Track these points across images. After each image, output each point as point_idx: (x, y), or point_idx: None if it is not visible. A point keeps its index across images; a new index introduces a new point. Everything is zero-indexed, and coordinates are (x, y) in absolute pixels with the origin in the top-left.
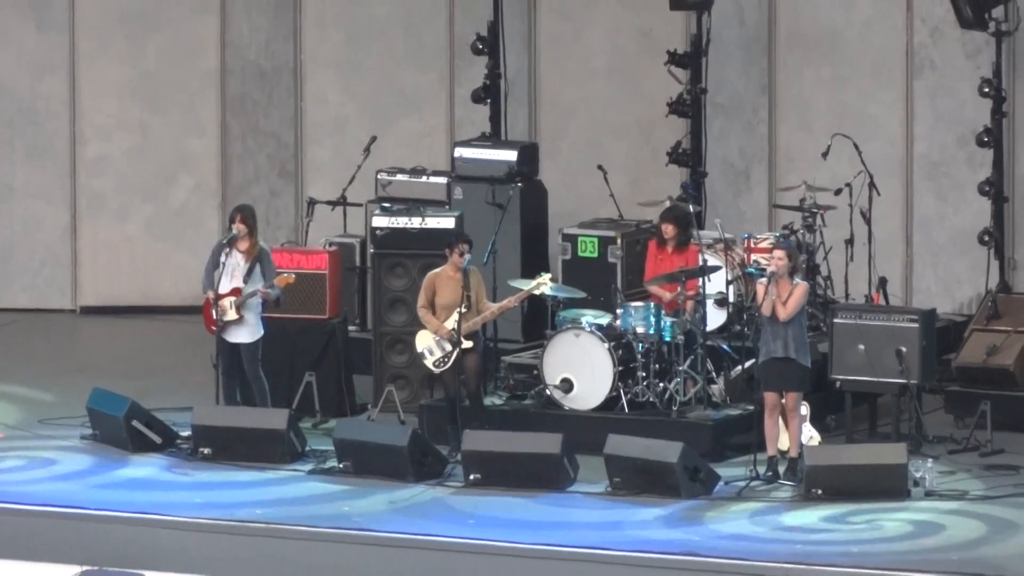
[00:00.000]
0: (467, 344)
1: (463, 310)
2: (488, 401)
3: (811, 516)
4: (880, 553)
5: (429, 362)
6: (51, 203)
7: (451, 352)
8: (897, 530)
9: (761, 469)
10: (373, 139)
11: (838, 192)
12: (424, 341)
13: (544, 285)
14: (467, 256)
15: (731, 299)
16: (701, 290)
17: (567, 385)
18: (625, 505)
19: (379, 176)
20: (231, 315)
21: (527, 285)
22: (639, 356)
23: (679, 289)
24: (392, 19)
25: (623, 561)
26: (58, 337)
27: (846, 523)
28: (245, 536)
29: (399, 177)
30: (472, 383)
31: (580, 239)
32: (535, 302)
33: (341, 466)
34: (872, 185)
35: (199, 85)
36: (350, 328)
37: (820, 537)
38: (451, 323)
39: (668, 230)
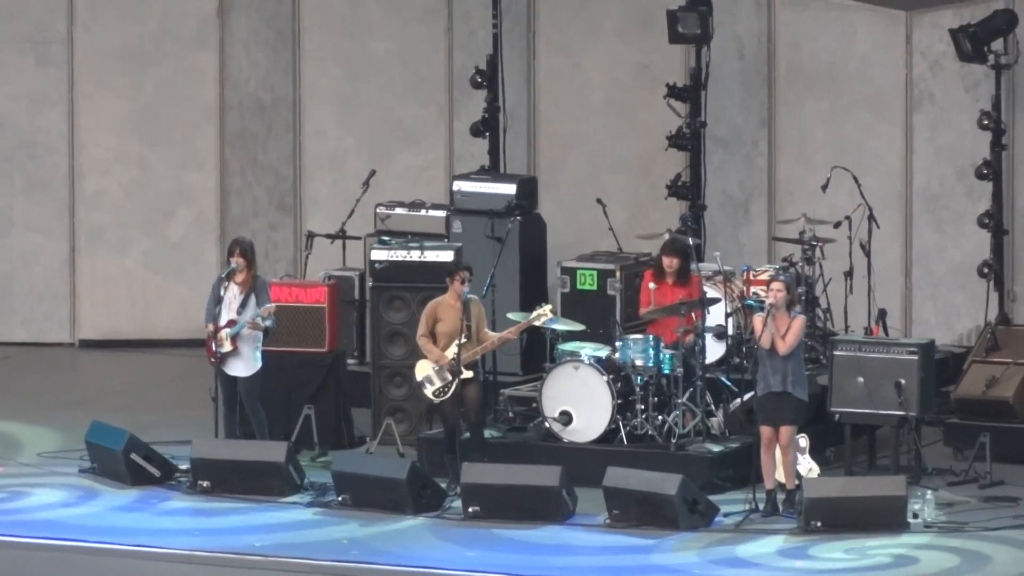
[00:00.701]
0: (467, 374)
1: (463, 340)
2: (487, 433)
3: (810, 548)
4: None
5: (428, 392)
6: (50, 237)
7: (451, 382)
8: (895, 562)
9: (760, 503)
10: (372, 173)
11: (837, 225)
12: (423, 371)
13: (544, 316)
14: (468, 284)
15: (730, 331)
16: (700, 322)
17: (566, 418)
18: (624, 537)
19: (378, 210)
20: (226, 346)
21: (527, 317)
22: (638, 389)
23: (680, 322)
24: (390, 54)
25: None
26: (57, 371)
27: (845, 555)
28: (243, 568)
29: (398, 211)
30: (473, 414)
31: (579, 272)
32: (534, 335)
33: (340, 499)
34: (871, 218)
35: (198, 119)
36: (349, 361)
37: (819, 568)
38: (451, 352)
39: (672, 263)
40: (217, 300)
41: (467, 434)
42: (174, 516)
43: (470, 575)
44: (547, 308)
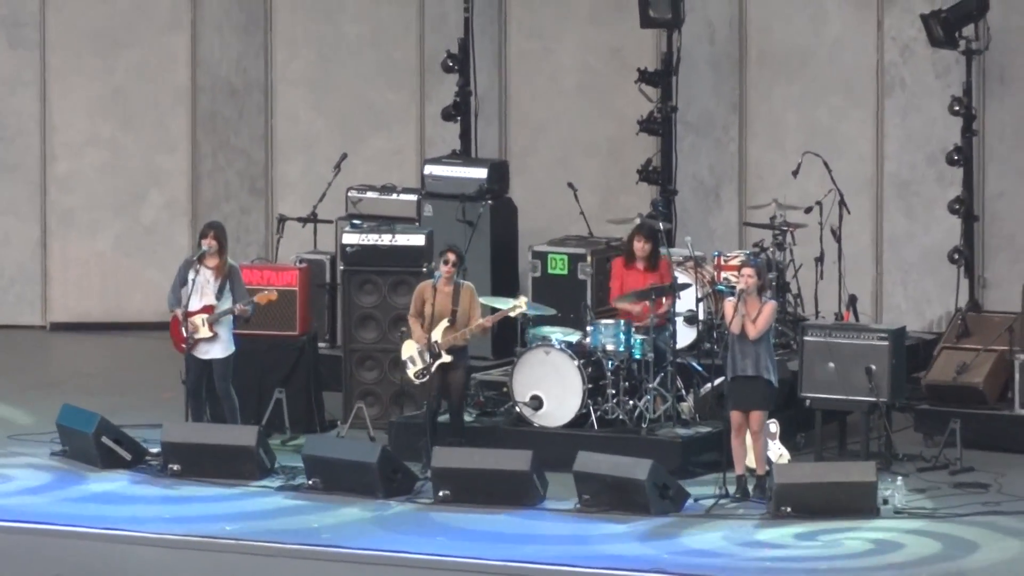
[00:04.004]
0: (447, 358)
1: (446, 324)
2: None
3: (780, 533)
4: (848, 571)
5: (411, 372)
6: (21, 219)
7: (431, 364)
8: (865, 548)
9: (730, 488)
10: (343, 156)
11: (808, 210)
12: (409, 350)
13: (518, 308)
14: (454, 268)
15: (701, 317)
16: (671, 307)
17: (537, 402)
18: (594, 522)
19: (349, 193)
20: (204, 332)
21: (500, 303)
22: (609, 373)
23: (650, 307)
24: (362, 37)
25: None
26: (28, 353)
27: (815, 541)
28: (214, 552)
29: (369, 194)
30: (455, 400)
31: (550, 256)
32: (505, 318)
33: (310, 482)
34: (842, 203)
35: (170, 102)
36: (320, 345)
37: (789, 554)
38: (434, 334)
39: (642, 248)
40: (183, 282)
41: (445, 416)
42: (144, 500)
43: (440, 559)
44: (522, 300)
